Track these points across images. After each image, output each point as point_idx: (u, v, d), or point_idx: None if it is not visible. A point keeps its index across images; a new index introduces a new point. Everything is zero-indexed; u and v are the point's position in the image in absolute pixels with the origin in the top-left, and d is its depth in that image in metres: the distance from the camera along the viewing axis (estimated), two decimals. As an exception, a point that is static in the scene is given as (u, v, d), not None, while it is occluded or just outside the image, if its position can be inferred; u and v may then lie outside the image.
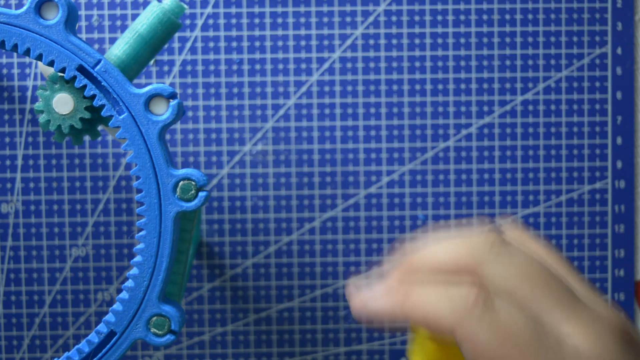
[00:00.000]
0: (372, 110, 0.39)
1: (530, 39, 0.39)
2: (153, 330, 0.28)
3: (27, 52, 0.27)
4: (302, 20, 0.38)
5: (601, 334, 0.23)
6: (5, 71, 0.38)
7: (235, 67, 0.38)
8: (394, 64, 0.39)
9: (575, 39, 0.39)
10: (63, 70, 0.27)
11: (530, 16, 0.39)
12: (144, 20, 0.29)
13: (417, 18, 0.39)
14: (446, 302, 0.23)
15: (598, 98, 0.39)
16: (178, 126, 0.38)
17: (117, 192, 0.39)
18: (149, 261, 0.28)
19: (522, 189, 0.39)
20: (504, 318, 0.23)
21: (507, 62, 0.39)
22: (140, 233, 0.28)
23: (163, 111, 0.28)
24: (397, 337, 0.39)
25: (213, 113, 0.38)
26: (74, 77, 0.27)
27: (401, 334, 0.39)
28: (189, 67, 0.38)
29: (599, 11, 0.39)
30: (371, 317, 0.25)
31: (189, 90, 0.38)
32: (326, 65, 0.39)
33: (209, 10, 0.38)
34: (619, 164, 0.39)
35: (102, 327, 0.28)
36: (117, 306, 0.28)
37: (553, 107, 0.39)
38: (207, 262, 0.39)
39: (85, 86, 0.28)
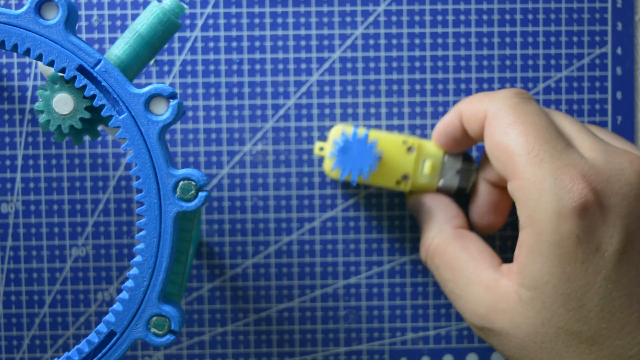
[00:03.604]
0: (372, 110, 0.39)
1: (530, 39, 0.39)
2: (153, 330, 0.28)
3: (27, 52, 0.27)
4: (302, 20, 0.38)
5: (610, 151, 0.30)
6: (5, 71, 0.38)
7: (235, 67, 0.38)
8: (394, 64, 0.39)
9: (575, 39, 0.39)
10: (63, 70, 0.27)
11: (530, 16, 0.39)
12: (144, 20, 0.29)
13: (417, 18, 0.39)
14: (489, 97, 0.33)
15: (598, 98, 0.39)
16: (178, 126, 0.38)
17: (117, 192, 0.39)
18: (149, 261, 0.28)
19: (522, 189, 0.39)
20: (531, 107, 0.32)
21: (507, 62, 0.39)
22: (140, 233, 0.28)
23: (163, 111, 0.28)
24: (397, 337, 0.39)
25: (213, 113, 0.38)
26: (74, 77, 0.27)
27: (401, 333, 0.39)
28: (189, 67, 0.38)
29: (599, 11, 0.39)
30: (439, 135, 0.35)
31: (189, 90, 0.38)
32: (326, 65, 0.39)
33: (209, 10, 0.38)
34: (619, 164, 0.39)
35: (102, 327, 0.28)
36: (117, 306, 0.28)
37: (553, 107, 0.39)
38: (207, 262, 0.39)
39: (85, 86, 0.28)
